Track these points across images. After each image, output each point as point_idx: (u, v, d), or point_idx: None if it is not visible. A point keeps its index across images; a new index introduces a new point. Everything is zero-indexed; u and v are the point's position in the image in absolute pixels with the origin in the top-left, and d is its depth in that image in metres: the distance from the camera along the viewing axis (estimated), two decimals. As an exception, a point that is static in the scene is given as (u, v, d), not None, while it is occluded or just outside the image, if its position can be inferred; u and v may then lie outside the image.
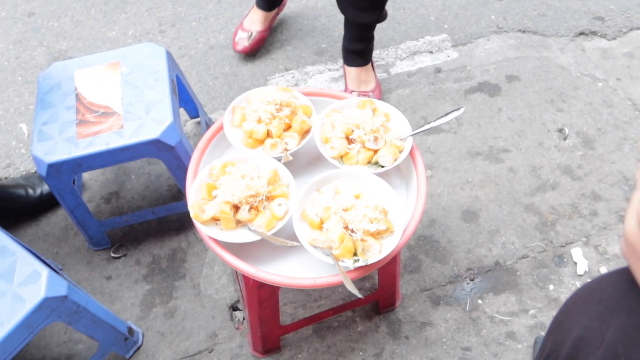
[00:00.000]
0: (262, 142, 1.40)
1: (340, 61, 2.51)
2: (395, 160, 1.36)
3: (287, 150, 1.39)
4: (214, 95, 2.47)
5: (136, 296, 1.88)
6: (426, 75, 2.50)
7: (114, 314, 1.67)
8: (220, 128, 1.46)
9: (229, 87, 2.50)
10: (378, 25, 2.22)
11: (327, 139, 1.39)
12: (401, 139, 1.40)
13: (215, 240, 1.25)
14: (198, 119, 2.30)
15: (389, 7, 2.15)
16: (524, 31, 2.68)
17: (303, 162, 1.41)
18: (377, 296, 1.70)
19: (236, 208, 1.26)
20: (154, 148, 1.63)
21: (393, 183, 1.43)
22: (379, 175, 1.32)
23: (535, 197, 2.03)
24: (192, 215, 1.25)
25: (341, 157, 1.38)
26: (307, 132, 1.43)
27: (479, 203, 2.01)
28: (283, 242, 1.20)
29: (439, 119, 1.39)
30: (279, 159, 1.36)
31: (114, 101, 1.71)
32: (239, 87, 2.49)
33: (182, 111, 2.23)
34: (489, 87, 2.44)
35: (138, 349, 1.77)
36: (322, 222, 1.23)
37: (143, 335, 1.80)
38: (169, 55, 1.86)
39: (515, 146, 2.23)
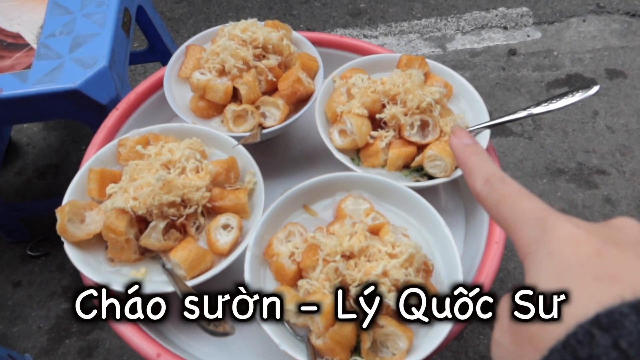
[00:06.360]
0: (221, 108, 0.80)
1: (381, 28, 1.88)
2: (454, 168, 0.73)
3: (262, 128, 0.78)
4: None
5: (47, 317, 1.31)
6: (495, 57, 1.84)
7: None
8: (161, 80, 0.85)
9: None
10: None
11: (336, 116, 0.77)
12: (470, 131, 0.77)
13: (97, 285, 0.64)
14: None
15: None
16: (633, 15, 1.99)
17: (288, 154, 0.81)
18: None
19: (143, 222, 0.66)
20: (71, 104, 1.05)
21: (444, 209, 0.81)
22: (422, 192, 0.69)
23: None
24: (57, 227, 0.65)
25: (357, 151, 0.77)
26: (304, 100, 0.82)
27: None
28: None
29: (557, 99, 0.74)
30: (240, 141, 0.75)
31: (30, 29, 1.14)
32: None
33: (154, 66, 1.65)
34: (582, 82, 1.77)
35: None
36: (298, 273, 0.62)
37: (42, 378, 1.22)
38: (130, -24, 1.26)
39: (617, 167, 1.56)
